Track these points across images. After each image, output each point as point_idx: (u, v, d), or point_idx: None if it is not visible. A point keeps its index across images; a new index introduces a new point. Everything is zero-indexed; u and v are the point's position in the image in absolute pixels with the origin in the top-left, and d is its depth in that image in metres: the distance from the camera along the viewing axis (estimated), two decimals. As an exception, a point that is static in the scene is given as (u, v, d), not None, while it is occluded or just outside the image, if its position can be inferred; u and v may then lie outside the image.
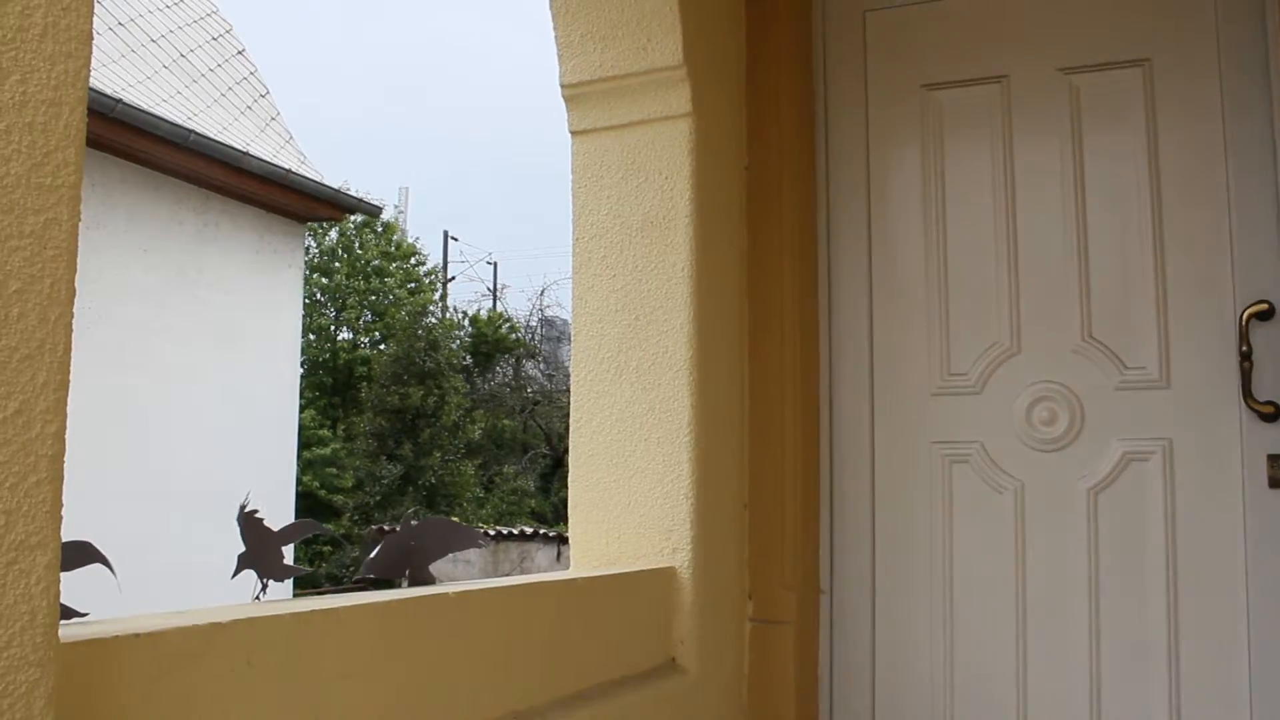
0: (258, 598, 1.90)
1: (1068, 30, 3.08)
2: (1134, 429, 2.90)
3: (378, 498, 17.40)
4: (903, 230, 3.21)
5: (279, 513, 8.73)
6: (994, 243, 3.07)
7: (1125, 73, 2.99)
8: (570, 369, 2.97)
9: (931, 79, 3.19)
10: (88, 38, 1.22)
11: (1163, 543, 2.84)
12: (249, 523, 1.96)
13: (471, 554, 11.71)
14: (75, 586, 1.64)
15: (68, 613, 1.51)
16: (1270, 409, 2.76)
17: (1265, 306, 2.78)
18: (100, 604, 1.58)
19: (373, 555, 2.19)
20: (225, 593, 1.99)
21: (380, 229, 22.26)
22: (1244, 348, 2.78)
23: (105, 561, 1.70)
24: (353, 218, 18.25)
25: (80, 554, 1.65)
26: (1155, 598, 2.84)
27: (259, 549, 1.97)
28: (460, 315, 23.05)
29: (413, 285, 22.74)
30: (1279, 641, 2.71)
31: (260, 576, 1.96)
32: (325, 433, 18.74)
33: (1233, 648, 2.76)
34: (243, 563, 1.96)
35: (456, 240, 28.60)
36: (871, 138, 3.25)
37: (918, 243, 3.19)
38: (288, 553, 2.15)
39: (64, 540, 1.59)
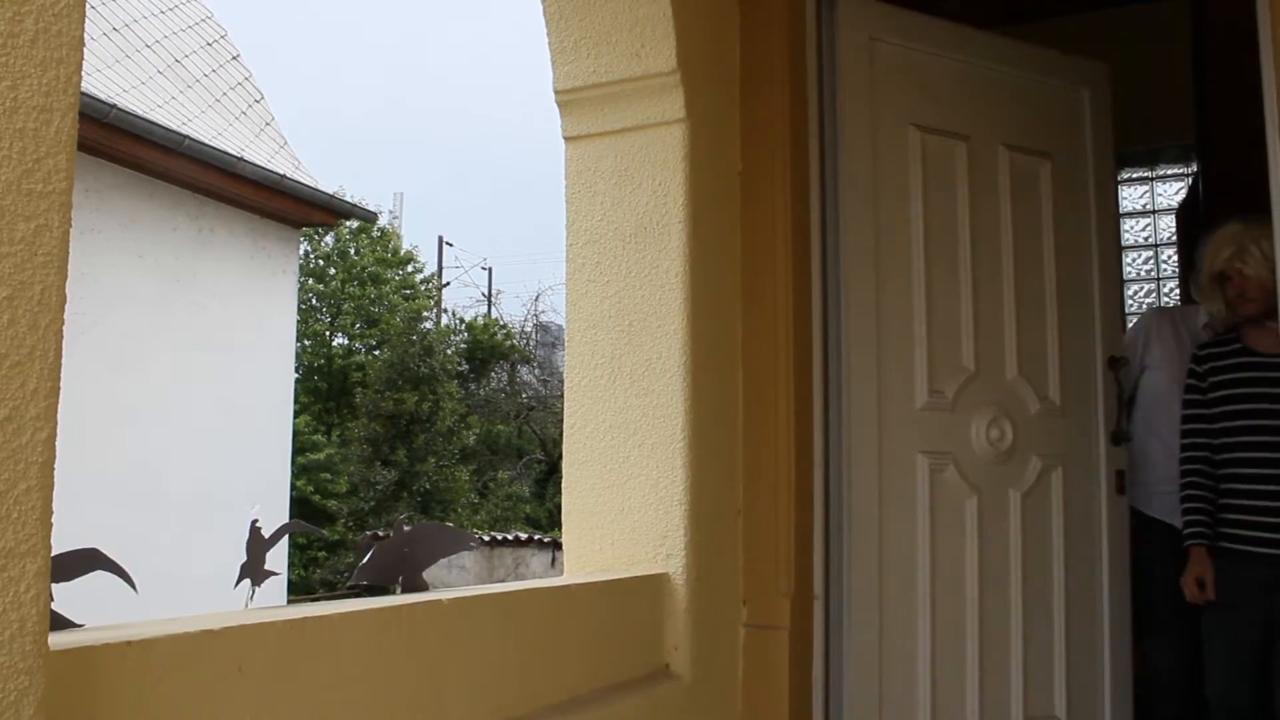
0: (246, 604, 1.90)
1: (1007, 113, 3.58)
2: (1046, 447, 3.52)
3: (372, 503, 17.35)
4: (900, 253, 3.34)
5: (274, 518, 8.71)
6: (961, 279, 3.43)
7: (1039, 160, 3.64)
8: (565, 375, 2.97)
9: (919, 120, 3.42)
10: (79, 43, 1.22)
11: (1061, 533, 3.51)
12: (253, 534, 1.95)
13: (466, 560, 11.70)
14: (80, 594, 1.64)
15: (62, 622, 1.50)
16: (1128, 437, 3.66)
17: (1124, 360, 3.69)
18: (106, 611, 1.57)
19: (364, 561, 2.18)
20: (220, 598, 1.98)
21: (376, 234, 22.20)
22: (1119, 391, 3.66)
23: (116, 568, 1.69)
24: (348, 224, 18.23)
25: (88, 561, 1.64)
26: (1057, 572, 3.50)
27: (255, 559, 1.96)
28: (456, 321, 23.02)
29: (408, 292, 22.71)
30: (1123, 589, 3.58)
31: (251, 583, 1.96)
32: (320, 438, 18.69)
33: (1097, 598, 3.56)
34: (244, 572, 1.96)
35: (451, 246, 28.54)
36: (878, 164, 3.32)
37: (910, 267, 3.34)
38: (281, 553, 2.14)
39: (72, 548, 1.59)
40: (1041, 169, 3.64)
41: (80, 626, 1.51)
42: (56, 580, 1.55)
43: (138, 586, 1.72)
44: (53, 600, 1.54)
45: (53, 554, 1.55)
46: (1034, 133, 3.63)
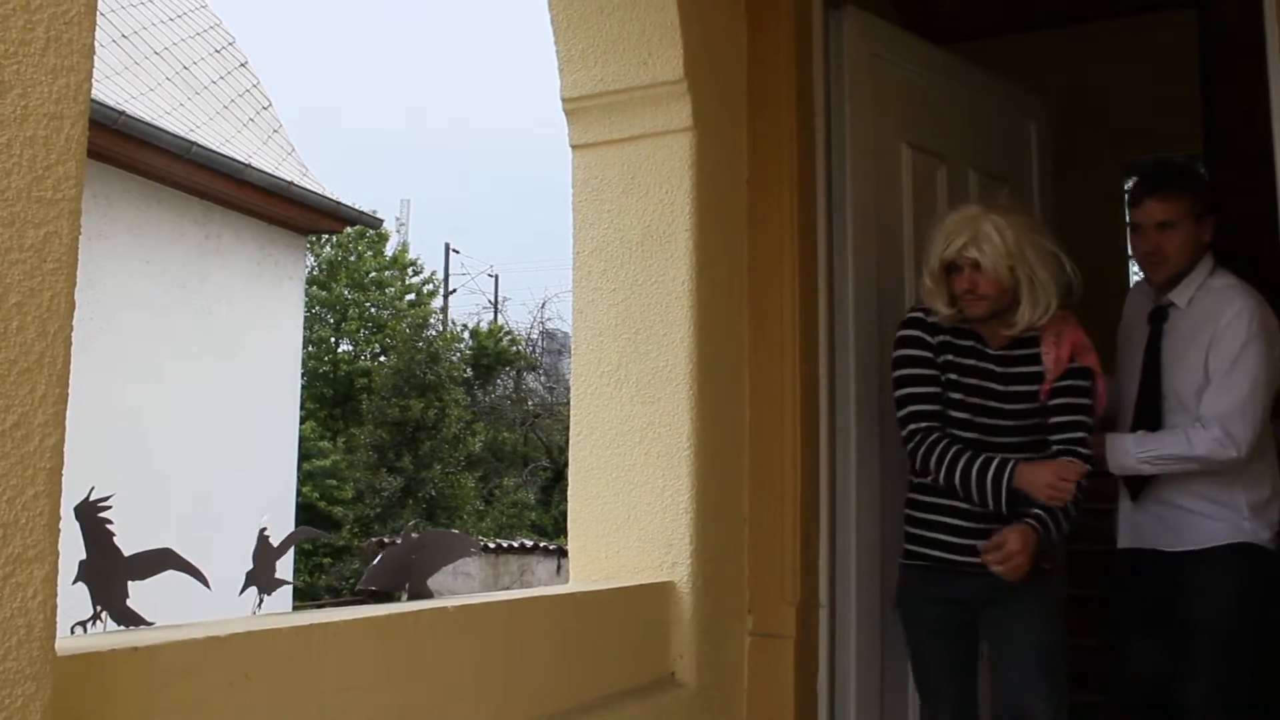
0: (254, 611, 1.91)
1: (974, 138, 3.71)
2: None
3: (378, 510, 17.35)
4: (895, 265, 3.40)
5: (279, 524, 8.71)
6: None
7: (999, 185, 3.70)
8: (571, 382, 2.97)
9: (908, 138, 3.49)
10: (90, 52, 1.23)
11: None
12: (260, 541, 1.96)
13: (472, 567, 11.70)
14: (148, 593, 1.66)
15: (136, 619, 1.53)
16: None
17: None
18: (172, 610, 1.59)
19: (374, 564, 2.19)
20: (227, 605, 1.99)
21: (369, 235, 22.05)
22: None
23: (189, 568, 1.71)
24: (347, 230, 18.18)
25: (160, 561, 1.66)
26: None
27: (260, 563, 1.97)
28: (459, 328, 23.02)
29: (411, 297, 22.71)
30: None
31: (257, 591, 1.96)
32: (325, 444, 18.71)
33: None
34: (249, 579, 1.97)
35: (458, 253, 28.60)
36: (879, 178, 3.37)
37: (903, 279, 3.38)
38: (287, 559, 2.15)
39: (146, 549, 1.62)
40: (1000, 194, 3.74)
41: (152, 625, 1.53)
42: (131, 579, 1.58)
43: (140, 592, 1.73)
44: (128, 597, 1.56)
45: (127, 554, 1.57)
46: (995, 158, 3.77)
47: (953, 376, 2.93)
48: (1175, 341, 3.07)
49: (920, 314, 2.97)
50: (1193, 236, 3.05)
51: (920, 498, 2.98)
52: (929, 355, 2.93)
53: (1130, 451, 2.99)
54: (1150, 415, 3.07)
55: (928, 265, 2.93)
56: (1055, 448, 2.85)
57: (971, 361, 2.93)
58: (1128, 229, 3.21)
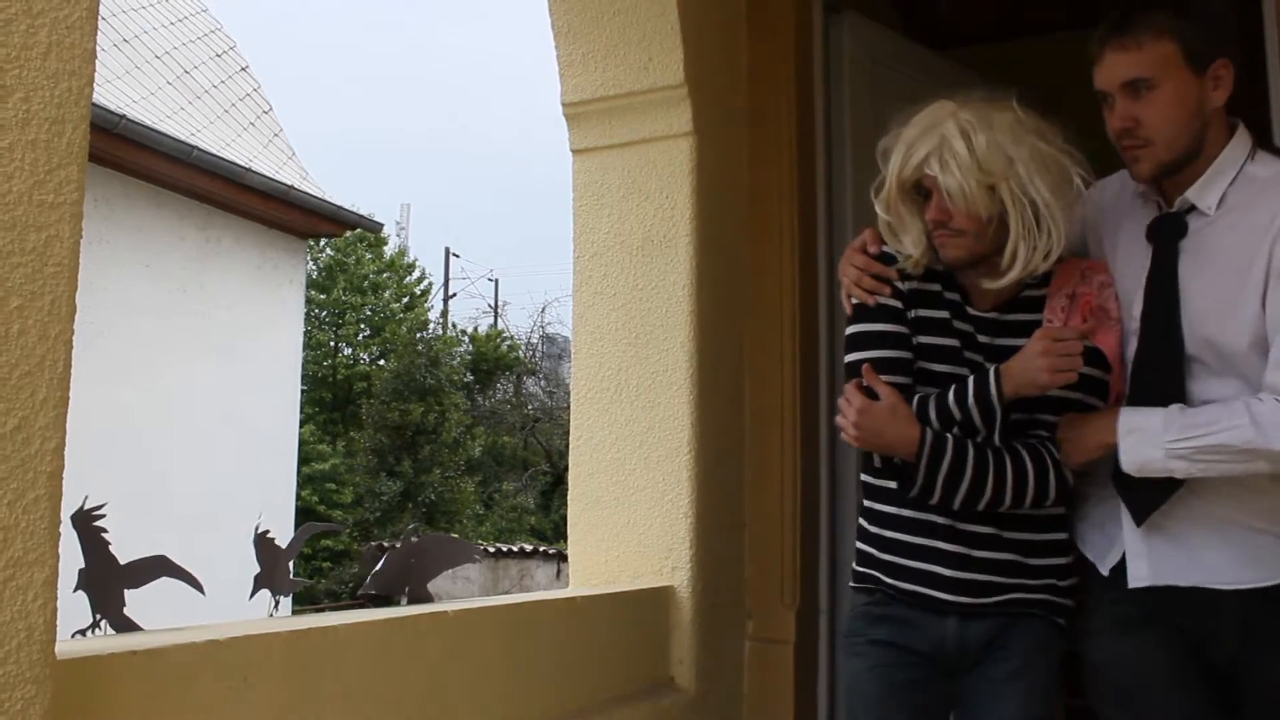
0: (271, 613, 1.91)
1: None
2: None
3: (377, 514, 17.35)
4: None
5: (279, 528, 8.69)
6: None
7: None
8: (571, 387, 2.97)
9: None
10: (91, 56, 1.23)
11: None
12: (262, 543, 1.97)
13: (471, 571, 11.69)
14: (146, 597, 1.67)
15: (131, 627, 1.53)
16: None
17: None
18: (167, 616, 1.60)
19: (377, 569, 2.19)
20: (230, 608, 1.99)
21: (368, 238, 22.02)
22: None
23: (184, 575, 1.72)
24: (348, 233, 18.16)
25: (156, 568, 1.67)
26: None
27: (271, 567, 1.98)
28: (459, 332, 23.02)
29: (407, 300, 22.71)
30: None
31: (271, 594, 1.97)
32: (325, 448, 18.70)
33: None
34: (259, 583, 1.97)
35: (458, 257, 28.61)
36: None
37: None
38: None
39: (142, 556, 1.63)
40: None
41: (140, 630, 1.54)
42: (128, 586, 1.59)
43: (141, 596, 1.73)
44: (125, 605, 1.58)
45: (123, 561, 1.59)
46: None
47: (922, 340, 2.09)
48: (1204, 266, 1.94)
49: (889, 252, 2.16)
50: (1187, 97, 1.94)
51: (883, 509, 2.12)
52: (896, 306, 2.10)
53: (1158, 438, 1.85)
54: (1165, 383, 1.93)
55: (880, 190, 2.11)
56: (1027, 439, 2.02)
57: (955, 324, 2.10)
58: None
